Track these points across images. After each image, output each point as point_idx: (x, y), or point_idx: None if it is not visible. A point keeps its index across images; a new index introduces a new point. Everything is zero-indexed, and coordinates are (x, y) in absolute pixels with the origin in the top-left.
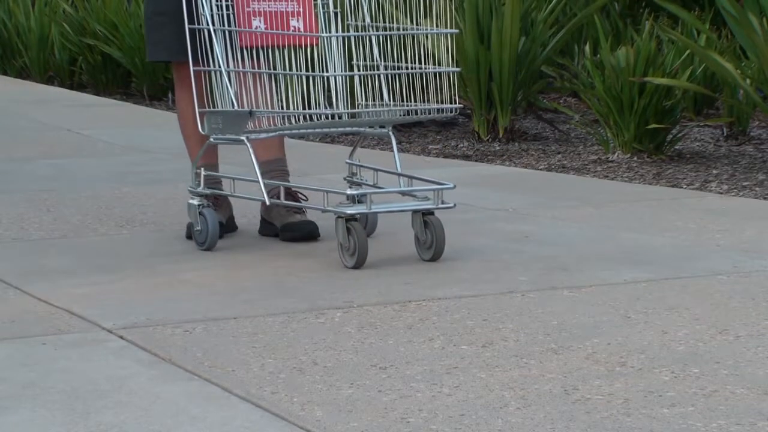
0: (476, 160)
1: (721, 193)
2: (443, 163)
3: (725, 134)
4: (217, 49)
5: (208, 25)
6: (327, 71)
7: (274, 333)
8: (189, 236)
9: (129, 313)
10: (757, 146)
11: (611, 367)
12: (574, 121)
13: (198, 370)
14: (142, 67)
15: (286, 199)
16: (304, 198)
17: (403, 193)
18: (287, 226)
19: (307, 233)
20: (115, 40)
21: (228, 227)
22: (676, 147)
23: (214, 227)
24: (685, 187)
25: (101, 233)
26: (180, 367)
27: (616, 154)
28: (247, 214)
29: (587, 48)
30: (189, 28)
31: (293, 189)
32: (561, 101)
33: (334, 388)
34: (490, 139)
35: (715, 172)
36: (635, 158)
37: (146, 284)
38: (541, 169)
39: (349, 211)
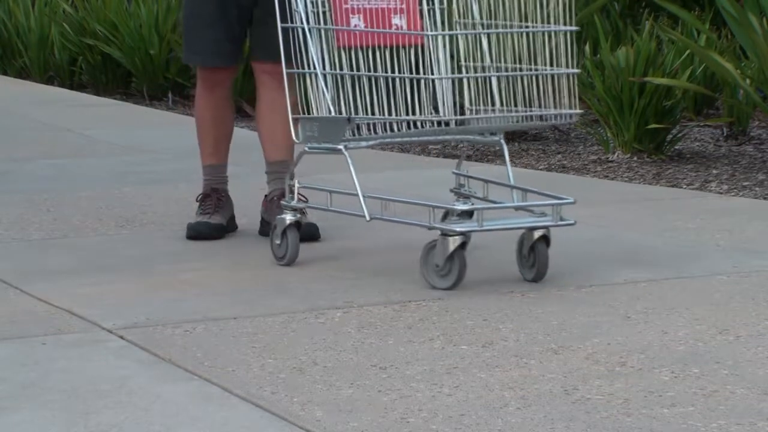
0: (476, 160)
1: (721, 193)
2: (443, 163)
3: (725, 134)
4: (312, 49)
5: (302, 23)
6: (433, 74)
7: (274, 333)
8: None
9: (129, 313)
10: (757, 146)
11: (611, 367)
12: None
13: (198, 370)
14: (142, 67)
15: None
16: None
17: (518, 208)
18: None
19: (308, 234)
20: (115, 40)
21: (228, 227)
22: (676, 147)
23: (294, 247)
24: (685, 187)
25: (101, 233)
26: (180, 367)
27: (616, 154)
28: (247, 214)
29: (587, 48)
30: (282, 27)
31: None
32: None
33: (334, 388)
34: None
35: (715, 172)
36: (635, 158)
37: (146, 284)
38: (541, 169)
39: (458, 229)
